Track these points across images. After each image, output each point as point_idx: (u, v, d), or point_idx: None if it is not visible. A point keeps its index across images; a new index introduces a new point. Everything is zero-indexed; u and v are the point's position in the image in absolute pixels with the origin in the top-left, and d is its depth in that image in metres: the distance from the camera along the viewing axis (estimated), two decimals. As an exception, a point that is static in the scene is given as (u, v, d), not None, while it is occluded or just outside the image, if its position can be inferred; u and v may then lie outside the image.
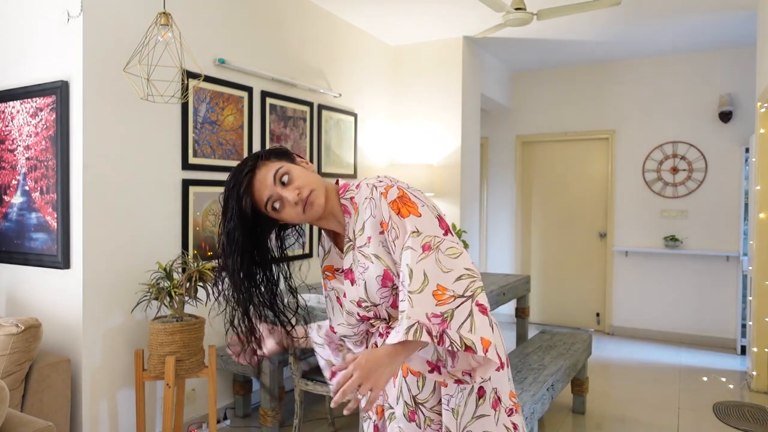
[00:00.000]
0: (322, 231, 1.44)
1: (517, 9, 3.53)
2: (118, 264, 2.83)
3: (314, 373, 2.89)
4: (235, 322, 1.32)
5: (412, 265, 1.16)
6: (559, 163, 6.28)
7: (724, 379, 4.38)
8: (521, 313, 4.44)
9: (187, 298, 2.73)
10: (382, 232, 1.27)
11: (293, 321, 1.43)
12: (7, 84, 2.94)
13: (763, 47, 4.06)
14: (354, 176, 4.67)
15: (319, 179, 1.31)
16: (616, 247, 5.85)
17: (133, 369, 2.86)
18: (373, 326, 1.38)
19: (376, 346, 1.37)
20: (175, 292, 2.68)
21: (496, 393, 1.32)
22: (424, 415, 1.32)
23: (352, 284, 1.33)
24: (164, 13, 2.58)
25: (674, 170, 5.61)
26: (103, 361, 2.79)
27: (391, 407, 1.38)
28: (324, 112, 4.27)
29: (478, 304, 1.13)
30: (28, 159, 2.84)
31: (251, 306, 1.32)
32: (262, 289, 1.33)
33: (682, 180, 5.57)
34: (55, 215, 2.73)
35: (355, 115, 4.65)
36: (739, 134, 5.34)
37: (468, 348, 1.08)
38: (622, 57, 5.70)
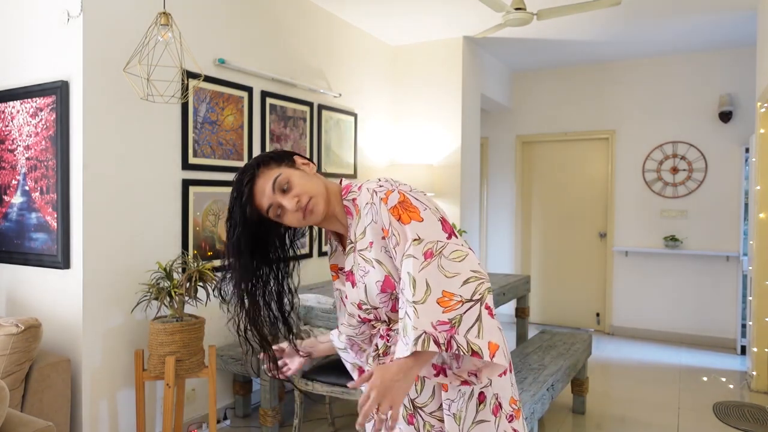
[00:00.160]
0: (326, 231, 1.45)
1: (517, 9, 3.53)
2: (118, 264, 2.83)
3: (314, 373, 2.89)
4: (241, 326, 1.33)
5: (414, 273, 1.15)
6: (559, 163, 6.28)
7: (724, 379, 4.38)
8: (521, 313, 4.44)
9: (187, 298, 2.73)
10: (383, 238, 1.27)
11: (295, 324, 1.43)
12: (7, 84, 2.94)
13: (763, 47, 4.06)
14: (354, 176, 4.67)
15: (319, 183, 1.31)
16: (616, 247, 5.85)
17: (133, 369, 2.86)
18: (374, 327, 1.38)
19: (377, 347, 1.37)
20: (175, 292, 2.68)
21: (497, 399, 1.31)
22: (423, 419, 1.32)
23: (353, 286, 1.33)
24: (164, 13, 2.58)
25: (674, 170, 5.61)
26: (103, 361, 2.79)
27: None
28: (324, 112, 4.27)
29: (486, 307, 1.13)
30: (28, 159, 2.84)
31: (260, 309, 1.32)
32: (269, 289, 1.34)
33: (682, 180, 5.57)
34: (55, 215, 2.73)
35: (355, 115, 4.65)
36: (739, 134, 5.34)
37: (474, 353, 1.08)
38: (622, 57, 5.70)
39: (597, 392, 4.05)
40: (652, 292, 5.72)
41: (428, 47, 5.13)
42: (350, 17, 4.53)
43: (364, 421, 1.10)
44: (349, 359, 1.53)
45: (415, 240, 1.19)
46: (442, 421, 1.30)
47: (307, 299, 2.92)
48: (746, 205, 5.23)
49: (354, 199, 1.33)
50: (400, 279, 1.24)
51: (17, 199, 2.89)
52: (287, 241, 1.39)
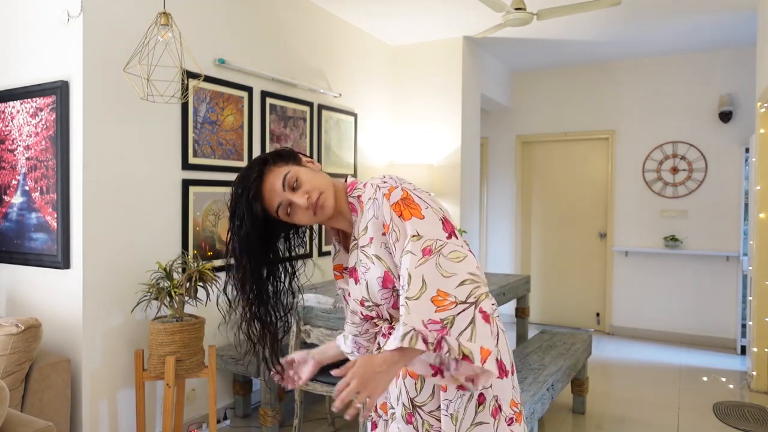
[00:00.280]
0: (331, 230, 1.44)
1: (517, 9, 3.53)
2: (118, 264, 2.83)
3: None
4: (245, 327, 1.32)
5: (411, 270, 1.15)
6: (559, 163, 6.28)
7: (724, 379, 4.38)
8: (521, 313, 4.44)
9: (187, 298, 2.73)
10: (384, 234, 1.26)
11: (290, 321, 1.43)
12: (7, 84, 2.94)
13: (763, 47, 4.06)
14: (354, 176, 4.67)
15: (327, 180, 1.31)
16: (616, 247, 5.85)
17: (133, 369, 2.86)
18: (377, 325, 1.38)
19: (380, 345, 1.37)
20: (175, 292, 2.69)
21: (497, 401, 1.30)
22: (422, 418, 1.32)
23: (356, 283, 1.33)
24: (164, 13, 2.58)
25: (674, 170, 5.61)
26: (103, 361, 2.79)
27: (393, 407, 1.38)
28: (324, 112, 4.27)
29: (481, 311, 1.11)
30: (28, 159, 2.84)
31: (264, 309, 1.32)
32: (271, 289, 1.33)
33: (682, 180, 5.57)
34: (55, 215, 2.73)
35: (355, 115, 4.65)
36: (739, 134, 5.34)
37: (465, 357, 1.07)
38: (622, 57, 5.70)
39: (597, 392, 4.05)
40: (652, 292, 5.72)
41: (428, 47, 5.13)
42: (350, 17, 4.53)
43: (340, 407, 1.10)
44: None
45: (414, 236, 1.19)
46: (440, 420, 1.30)
47: (307, 299, 2.93)
48: (746, 205, 5.23)
49: (359, 196, 1.32)
50: (399, 275, 1.23)
51: (17, 199, 2.89)
52: (291, 240, 1.38)
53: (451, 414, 1.28)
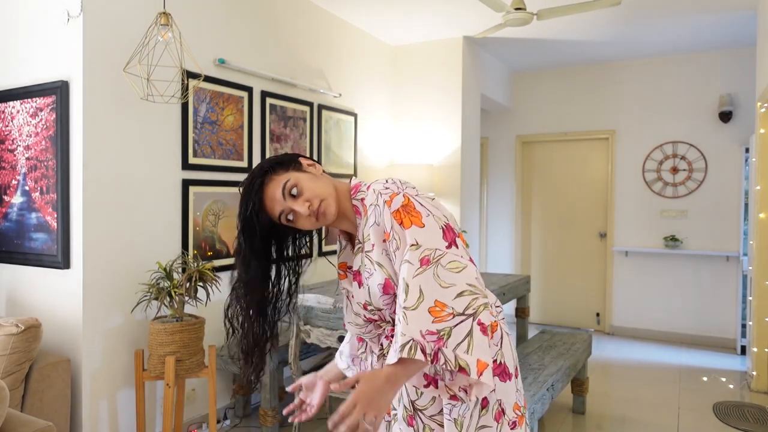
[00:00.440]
0: (337, 229, 1.44)
1: (517, 9, 3.53)
2: (118, 264, 2.83)
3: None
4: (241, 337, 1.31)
5: (408, 279, 1.14)
6: (559, 163, 6.28)
7: (724, 379, 4.38)
8: (521, 313, 4.44)
9: (187, 298, 2.73)
10: (384, 241, 1.26)
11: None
12: (7, 84, 2.94)
13: (763, 47, 4.06)
14: (354, 176, 4.66)
15: (329, 185, 1.30)
16: (616, 247, 5.85)
17: (133, 369, 2.86)
18: (380, 327, 1.38)
19: (382, 347, 1.36)
20: (175, 292, 2.68)
21: (500, 405, 1.30)
22: (423, 422, 1.31)
23: (360, 286, 1.33)
24: (164, 13, 2.59)
25: (674, 170, 5.61)
26: (103, 361, 2.79)
27: (395, 408, 1.38)
28: (324, 112, 4.27)
29: (479, 323, 1.10)
30: (28, 159, 2.84)
31: (263, 314, 1.32)
32: (275, 291, 1.34)
33: (682, 180, 5.57)
34: (55, 215, 2.73)
35: (355, 115, 4.65)
36: (739, 134, 5.34)
37: (462, 369, 1.07)
38: (622, 57, 5.70)
39: (597, 392, 4.05)
40: (652, 292, 5.72)
41: (428, 47, 5.13)
42: (350, 17, 4.53)
43: (344, 429, 1.07)
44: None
45: (413, 245, 1.17)
46: (442, 425, 1.30)
47: (307, 299, 2.92)
48: (746, 205, 5.23)
49: (363, 199, 1.32)
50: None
51: (17, 199, 2.89)
52: (298, 242, 1.39)
53: (455, 419, 1.27)
